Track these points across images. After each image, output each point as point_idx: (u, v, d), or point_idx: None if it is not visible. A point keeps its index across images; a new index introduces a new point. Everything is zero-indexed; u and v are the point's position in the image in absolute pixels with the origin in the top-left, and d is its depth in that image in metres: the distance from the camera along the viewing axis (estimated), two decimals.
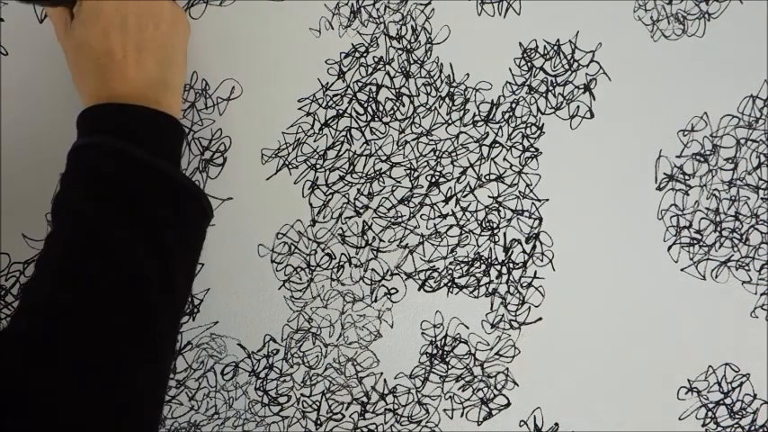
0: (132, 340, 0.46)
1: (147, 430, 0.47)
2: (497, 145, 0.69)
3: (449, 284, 0.69)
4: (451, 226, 0.69)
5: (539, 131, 0.69)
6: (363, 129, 0.67)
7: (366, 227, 0.68)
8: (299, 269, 0.67)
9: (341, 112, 0.67)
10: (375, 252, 0.68)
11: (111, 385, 0.45)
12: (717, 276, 0.72)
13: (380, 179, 0.68)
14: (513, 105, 0.69)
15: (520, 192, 0.69)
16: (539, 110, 0.69)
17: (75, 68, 0.56)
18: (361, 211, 0.68)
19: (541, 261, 0.70)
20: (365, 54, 0.67)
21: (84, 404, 0.43)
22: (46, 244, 0.49)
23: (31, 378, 0.42)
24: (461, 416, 0.70)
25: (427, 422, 0.70)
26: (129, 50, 0.54)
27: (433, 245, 0.69)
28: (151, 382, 0.48)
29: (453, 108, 0.68)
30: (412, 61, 0.67)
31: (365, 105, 0.67)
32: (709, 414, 0.73)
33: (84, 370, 0.44)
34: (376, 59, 0.67)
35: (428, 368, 0.69)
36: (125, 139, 0.51)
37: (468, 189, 0.69)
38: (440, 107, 0.68)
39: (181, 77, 0.58)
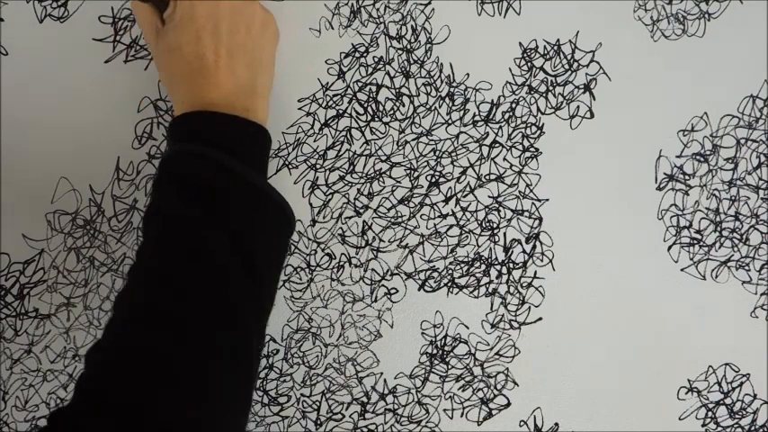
0: (227, 351, 0.47)
1: None
2: (497, 145, 0.69)
3: (449, 284, 0.69)
4: (451, 226, 0.69)
5: (539, 131, 0.69)
6: (363, 129, 0.67)
7: (366, 227, 0.68)
8: (299, 269, 0.67)
9: (341, 112, 0.67)
10: (375, 252, 0.68)
11: (199, 395, 0.45)
12: (717, 276, 0.72)
13: (380, 179, 0.68)
14: (513, 105, 0.69)
15: (520, 192, 0.69)
16: (539, 110, 0.69)
17: (165, 72, 0.56)
18: (361, 211, 0.68)
19: (541, 261, 0.70)
20: (365, 54, 0.67)
21: (175, 411, 0.44)
22: (139, 252, 0.50)
23: (122, 385, 0.44)
24: (461, 416, 0.70)
25: (427, 422, 0.70)
26: (221, 56, 0.53)
27: (433, 245, 0.69)
28: (239, 394, 0.48)
29: (453, 108, 0.68)
30: (412, 61, 0.67)
31: (365, 105, 0.67)
32: (709, 414, 0.73)
33: (178, 377, 0.45)
34: (376, 59, 0.67)
35: (428, 368, 0.69)
36: (216, 148, 0.51)
37: (468, 189, 0.69)
38: (440, 107, 0.68)
39: (269, 82, 0.58)
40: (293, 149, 0.66)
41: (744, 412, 0.74)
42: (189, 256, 0.48)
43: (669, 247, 0.72)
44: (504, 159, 0.69)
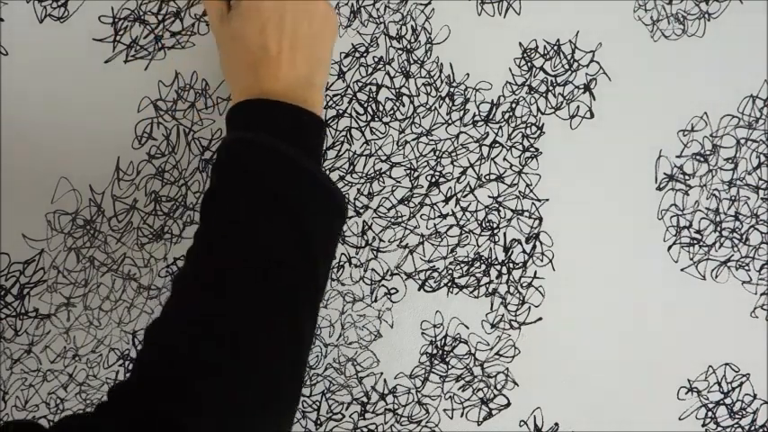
0: (284, 334, 0.49)
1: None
2: (497, 145, 0.69)
3: (449, 284, 0.69)
4: (451, 226, 0.69)
5: (539, 131, 0.69)
6: (363, 129, 0.67)
7: (366, 227, 0.68)
8: None
9: (341, 112, 0.67)
10: (375, 252, 0.68)
11: (257, 375, 0.47)
12: (717, 276, 0.73)
13: (380, 179, 0.68)
14: (513, 105, 0.69)
15: (520, 192, 0.69)
16: (539, 110, 0.69)
17: (227, 59, 0.57)
18: (361, 211, 0.68)
19: (541, 261, 0.70)
20: (365, 54, 0.67)
21: (240, 411, 0.46)
22: (197, 235, 0.51)
23: (193, 388, 0.45)
24: (461, 416, 0.70)
25: (427, 422, 0.70)
26: (284, 48, 0.55)
27: (433, 245, 0.69)
28: (294, 376, 0.50)
29: (453, 108, 0.68)
30: (412, 61, 0.67)
31: (365, 105, 0.67)
32: (709, 414, 0.73)
33: (237, 357, 0.46)
34: (376, 59, 0.67)
35: (428, 368, 0.69)
36: (275, 136, 0.52)
37: (468, 189, 0.69)
38: (440, 107, 0.68)
39: (325, 76, 0.59)
40: None
41: (744, 412, 0.74)
42: (246, 240, 0.49)
43: (669, 247, 0.72)
44: (504, 159, 0.69)
